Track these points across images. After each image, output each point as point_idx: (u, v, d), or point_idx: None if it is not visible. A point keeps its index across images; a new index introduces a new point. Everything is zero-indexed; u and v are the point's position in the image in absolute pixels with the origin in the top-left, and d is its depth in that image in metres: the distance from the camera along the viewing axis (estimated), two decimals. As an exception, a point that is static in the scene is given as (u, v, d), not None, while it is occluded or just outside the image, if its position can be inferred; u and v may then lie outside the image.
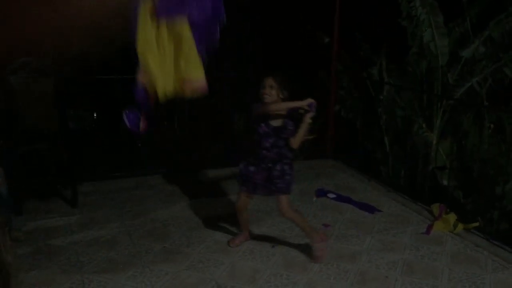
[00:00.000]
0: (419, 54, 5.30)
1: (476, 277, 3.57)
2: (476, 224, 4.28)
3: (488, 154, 4.42)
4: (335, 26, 5.90)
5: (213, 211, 4.60)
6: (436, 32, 4.94)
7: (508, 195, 4.25)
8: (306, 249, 3.89)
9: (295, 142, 3.56)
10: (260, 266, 3.67)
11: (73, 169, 4.57)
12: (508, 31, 4.79)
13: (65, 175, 4.73)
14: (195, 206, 4.71)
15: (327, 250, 3.82)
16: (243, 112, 7.17)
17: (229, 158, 5.94)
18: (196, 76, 3.12)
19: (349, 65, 6.23)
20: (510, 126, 4.39)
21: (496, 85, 4.91)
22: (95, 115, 7.18)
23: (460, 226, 4.27)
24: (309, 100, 3.45)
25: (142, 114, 3.34)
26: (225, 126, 7.50)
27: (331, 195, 4.97)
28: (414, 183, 5.54)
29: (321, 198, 4.95)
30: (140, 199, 4.86)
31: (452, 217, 4.38)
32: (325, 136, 6.33)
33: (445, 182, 4.84)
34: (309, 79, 6.41)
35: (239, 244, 3.95)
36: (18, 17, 5.27)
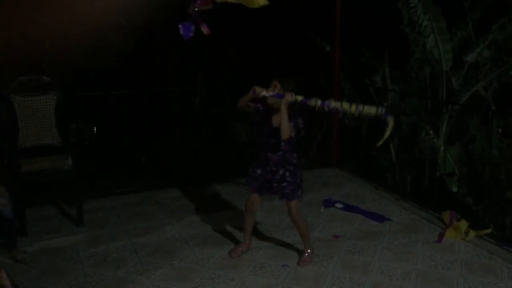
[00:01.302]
0: (422, 60, 5.26)
1: (492, 285, 3.50)
2: (489, 231, 4.22)
3: (497, 159, 4.36)
4: (336, 34, 5.87)
5: (221, 225, 4.53)
6: (439, 38, 4.90)
7: (521, 200, 4.21)
8: (318, 262, 3.82)
9: (282, 132, 3.44)
10: (271, 281, 3.59)
11: (77, 186, 4.49)
12: (512, 35, 4.76)
13: (69, 193, 4.66)
14: (202, 221, 4.64)
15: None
16: (245, 122, 7.13)
17: (233, 169, 5.91)
18: None
19: (351, 72, 6.19)
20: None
21: (502, 89, 4.87)
22: (95, 129, 7.14)
23: (472, 233, 4.21)
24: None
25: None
26: (227, 137, 7.46)
27: (339, 205, 4.91)
28: (421, 190, 5.48)
29: (329, 209, 4.88)
30: (145, 215, 4.79)
31: (463, 224, 4.31)
32: (329, 145, 6.28)
33: (454, 189, 4.78)
34: (310, 87, 6.37)
35: (240, 254, 3.90)
36: (18, 34, 5.24)
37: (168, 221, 4.66)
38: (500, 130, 4.43)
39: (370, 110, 3.34)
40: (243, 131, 7.19)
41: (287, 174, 3.62)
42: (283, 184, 3.62)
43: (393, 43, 5.82)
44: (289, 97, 3.42)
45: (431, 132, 4.94)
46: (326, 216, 4.72)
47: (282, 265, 3.80)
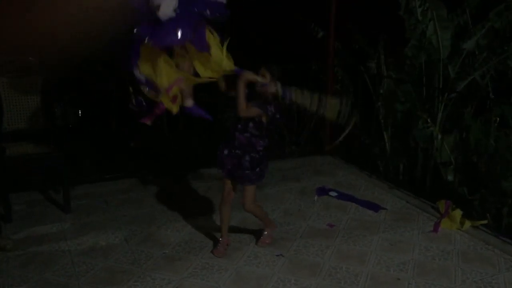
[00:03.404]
0: (418, 47, 5.16)
1: (490, 277, 3.45)
2: (485, 221, 4.18)
3: (494, 149, 4.31)
4: (331, 19, 5.76)
5: (213, 214, 4.42)
6: (439, 25, 4.80)
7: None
8: (313, 252, 3.75)
9: (237, 107, 3.36)
10: (266, 271, 3.51)
11: (64, 171, 4.34)
12: (511, 22, 4.68)
13: (55, 178, 4.50)
14: (194, 209, 4.53)
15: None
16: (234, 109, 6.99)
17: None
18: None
19: (345, 58, 6.08)
20: (515, 120, 4.29)
21: (499, 78, 4.80)
22: (80, 112, 6.93)
23: (468, 223, 4.16)
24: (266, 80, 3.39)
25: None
26: (218, 123, 7.31)
27: (333, 193, 4.83)
28: (414, 179, 5.43)
29: (323, 197, 4.80)
30: (135, 202, 4.66)
31: (457, 213, 4.27)
32: (322, 132, 6.19)
33: (450, 178, 4.73)
34: (303, 73, 6.26)
35: (225, 252, 3.73)
36: (1, 15, 5.02)
37: (158, 208, 4.54)
38: (497, 119, 4.38)
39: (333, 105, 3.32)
40: (234, 118, 7.05)
41: (255, 157, 3.52)
42: (245, 172, 3.52)
43: (388, 29, 5.71)
44: (248, 74, 3.35)
45: (428, 120, 4.86)
46: (320, 204, 4.64)
47: (277, 255, 3.72)
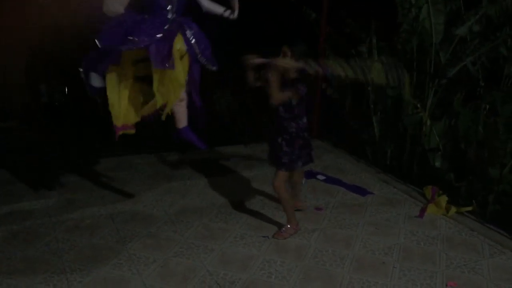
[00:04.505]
0: (410, 31, 5.12)
1: (473, 262, 3.48)
2: (470, 208, 4.20)
3: (483, 136, 4.31)
4: (324, 1, 5.70)
5: (199, 194, 4.40)
6: (432, 8, 4.76)
7: (507, 178, 4.16)
8: (299, 234, 3.74)
9: (273, 98, 3.33)
10: (252, 252, 3.50)
11: (49, 147, 4.27)
12: (504, 9, 4.65)
13: (40, 155, 4.44)
14: (179, 189, 4.50)
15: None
16: (225, 89, 6.91)
17: (213, 137, 5.75)
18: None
19: (336, 42, 6.03)
20: (504, 107, 4.28)
21: (490, 65, 4.79)
22: (66, 89, 6.81)
23: (453, 210, 4.18)
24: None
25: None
26: (206, 105, 7.23)
27: (321, 177, 4.82)
28: (401, 164, 5.43)
29: (310, 180, 4.79)
30: (121, 181, 4.61)
31: (443, 199, 4.29)
32: (311, 116, 6.16)
33: (437, 164, 4.73)
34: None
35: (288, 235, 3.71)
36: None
37: (144, 187, 4.50)
38: (487, 106, 4.37)
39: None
40: (222, 99, 6.98)
41: (283, 143, 3.51)
42: (279, 154, 3.53)
43: (380, 13, 5.66)
44: (281, 61, 3.29)
45: (418, 105, 4.84)
46: (307, 187, 4.62)
47: (263, 236, 3.71)
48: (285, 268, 3.31)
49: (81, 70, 3.25)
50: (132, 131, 3.51)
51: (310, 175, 4.87)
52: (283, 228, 3.72)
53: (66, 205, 4.07)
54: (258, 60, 3.41)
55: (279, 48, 3.46)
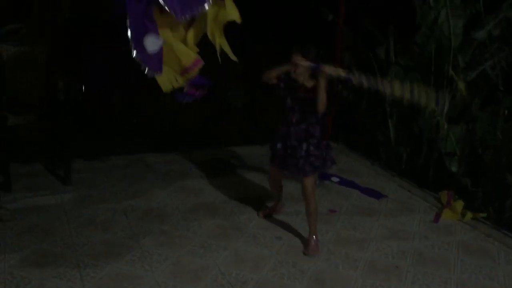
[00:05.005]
0: (429, 34, 5.07)
1: (489, 268, 3.43)
2: (485, 214, 4.15)
3: (501, 141, 4.25)
4: (341, 1, 5.67)
5: (213, 192, 4.40)
6: (451, 12, 4.71)
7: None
8: (312, 236, 3.72)
9: (319, 105, 3.22)
10: (265, 252, 3.49)
11: (65, 143, 4.30)
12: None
13: (57, 150, 4.46)
14: (194, 187, 4.51)
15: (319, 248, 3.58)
16: (238, 85, 6.89)
17: (227, 135, 5.76)
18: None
19: (353, 44, 6.00)
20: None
21: (510, 69, 4.72)
22: (83, 87, 6.85)
23: (469, 215, 4.13)
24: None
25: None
26: (220, 102, 7.23)
27: (335, 179, 4.80)
28: (416, 168, 5.38)
29: (324, 182, 4.76)
30: (135, 178, 4.63)
31: (459, 204, 4.24)
32: (326, 118, 6.13)
33: (454, 169, 4.68)
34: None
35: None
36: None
37: (158, 185, 4.51)
38: (506, 111, 4.31)
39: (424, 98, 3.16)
40: (236, 97, 6.97)
41: (311, 148, 3.43)
42: (307, 160, 3.42)
43: (399, 15, 5.61)
44: (329, 69, 3.21)
45: (436, 109, 4.79)
46: (321, 189, 4.60)
47: (276, 237, 3.69)
48: (297, 270, 3.30)
49: (134, 51, 3.10)
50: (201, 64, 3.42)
51: (325, 176, 4.84)
52: (312, 243, 3.53)
53: (81, 200, 4.10)
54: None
55: (292, 50, 3.42)
